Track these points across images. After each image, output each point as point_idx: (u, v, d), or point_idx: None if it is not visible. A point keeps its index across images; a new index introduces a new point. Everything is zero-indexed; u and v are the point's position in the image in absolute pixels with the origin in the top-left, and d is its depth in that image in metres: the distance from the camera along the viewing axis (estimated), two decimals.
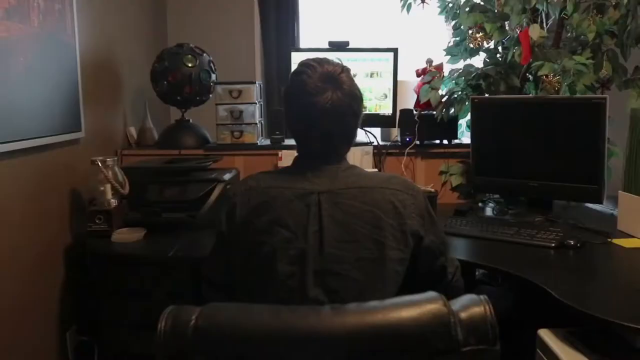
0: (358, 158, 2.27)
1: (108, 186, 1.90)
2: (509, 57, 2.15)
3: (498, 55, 2.32)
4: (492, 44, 2.34)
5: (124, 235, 1.85)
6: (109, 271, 1.77)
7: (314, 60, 1.24)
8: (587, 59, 1.98)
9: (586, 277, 1.50)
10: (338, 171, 1.24)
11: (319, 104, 1.19)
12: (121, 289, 1.76)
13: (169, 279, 1.71)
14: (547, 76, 2.00)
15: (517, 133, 2.09)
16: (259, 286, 1.19)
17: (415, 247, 1.22)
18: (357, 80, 1.27)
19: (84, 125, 2.04)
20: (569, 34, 2.22)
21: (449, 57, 2.43)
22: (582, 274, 1.52)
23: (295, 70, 1.26)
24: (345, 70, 1.23)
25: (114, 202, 1.92)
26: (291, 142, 1.92)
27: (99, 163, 1.89)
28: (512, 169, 2.10)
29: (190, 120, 2.56)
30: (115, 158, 1.97)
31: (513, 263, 1.55)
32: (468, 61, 2.39)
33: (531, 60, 2.09)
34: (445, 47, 2.44)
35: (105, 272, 1.78)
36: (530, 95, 2.21)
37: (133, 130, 2.59)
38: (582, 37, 2.11)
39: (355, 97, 1.24)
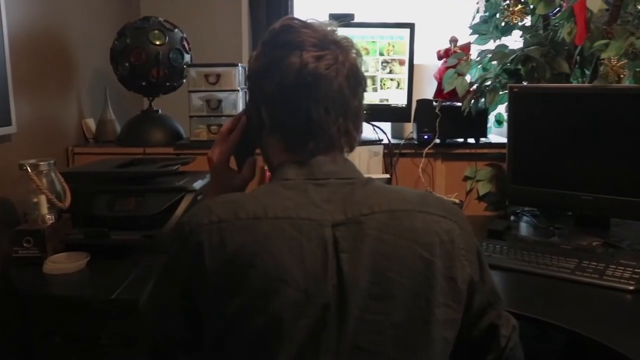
0: (365, 160, 1.84)
1: (42, 197, 1.50)
2: (560, 36, 1.70)
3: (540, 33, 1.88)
4: (528, 21, 1.90)
5: (59, 265, 1.44)
6: (40, 310, 1.40)
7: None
8: None
9: None
10: (354, 187, 0.82)
11: (329, 75, 0.82)
12: (58, 332, 1.39)
13: (119, 320, 1.34)
14: (610, 60, 1.56)
15: (567, 132, 1.67)
16: None
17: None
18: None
19: (16, 118, 1.65)
20: (628, 8, 1.78)
21: (475, 36, 2.00)
22: None
23: (278, 28, 0.89)
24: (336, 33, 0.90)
25: (50, 219, 1.52)
26: None
27: (28, 168, 1.48)
28: (559, 177, 1.69)
29: (160, 111, 2.15)
30: (52, 161, 1.54)
31: (576, 314, 1.17)
32: (498, 42, 1.96)
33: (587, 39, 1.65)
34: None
35: (36, 312, 1.40)
36: (588, 84, 1.77)
37: (91, 123, 2.16)
38: None
39: (360, 68, 0.89)
